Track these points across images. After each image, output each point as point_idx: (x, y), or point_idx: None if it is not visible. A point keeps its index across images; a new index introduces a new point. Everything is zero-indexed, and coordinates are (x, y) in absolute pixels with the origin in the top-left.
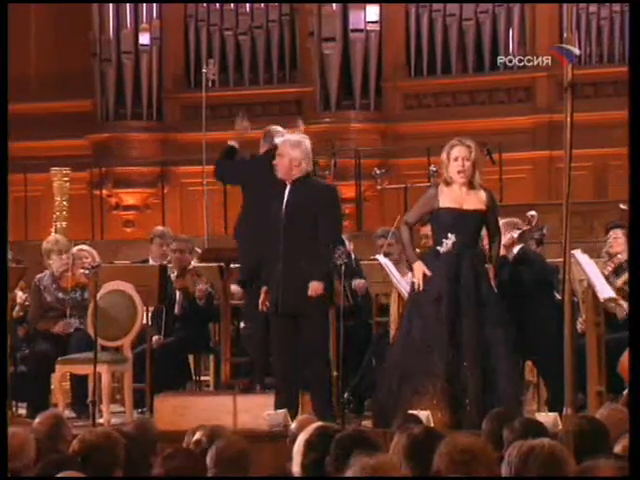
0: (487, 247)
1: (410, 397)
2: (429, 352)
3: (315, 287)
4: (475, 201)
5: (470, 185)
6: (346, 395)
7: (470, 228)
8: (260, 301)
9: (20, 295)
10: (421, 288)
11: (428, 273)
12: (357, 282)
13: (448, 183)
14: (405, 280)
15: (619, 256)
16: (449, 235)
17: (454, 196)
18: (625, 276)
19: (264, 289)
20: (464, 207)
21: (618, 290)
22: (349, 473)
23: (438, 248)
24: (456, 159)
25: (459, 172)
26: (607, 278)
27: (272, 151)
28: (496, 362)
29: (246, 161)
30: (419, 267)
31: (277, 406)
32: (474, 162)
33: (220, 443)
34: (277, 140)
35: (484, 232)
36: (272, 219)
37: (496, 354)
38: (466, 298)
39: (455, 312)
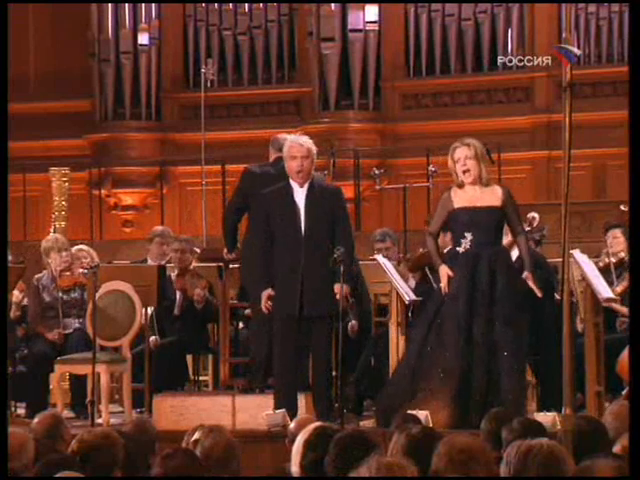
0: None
1: (423, 397)
2: (444, 351)
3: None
4: (490, 198)
5: (483, 183)
6: (347, 390)
7: (485, 225)
8: (263, 304)
9: (17, 294)
10: (446, 290)
11: (451, 274)
12: (351, 324)
13: (460, 185)
14: (404, 282)
15: (621, 254)
16: (465, 234)
17: (468, 196)
18: (625, 283)
19: (268, 292)
20: (477, 205)
21: (619, 294)
22: (363, 470)
23: (457, 248)
24: (458, 160)
25: (464, 172)
26: (600, 271)
27: (282, 159)
28: (503, 362)
29: (253, 177)
30: (443, 270)
31: (277, 406)
32: (477, 158)
33: (206, 443)
34: (292, 141)
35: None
36: (288, 225)
37: (503, 354)
38: (480, 296)
39: (470, 311)
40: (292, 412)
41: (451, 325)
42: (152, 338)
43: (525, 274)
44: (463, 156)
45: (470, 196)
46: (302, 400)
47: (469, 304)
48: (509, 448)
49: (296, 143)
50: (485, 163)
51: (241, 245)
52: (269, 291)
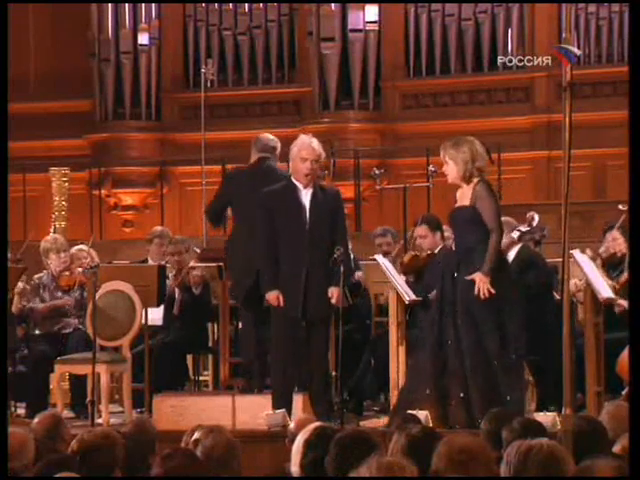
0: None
1: (408, 398)
2: (423, 352)
3: (338, 292)
4: (464, 197)
5: (466, 181)
6: (344, 395)
7: (459, 225)
8: (274, 304)
9: (19, 285)
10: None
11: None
12: (357, 274)
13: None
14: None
15: (618, 254)
16: (451, 235)
17: (457, 196)
18: (626, 276)
19: (276, 294)
20: (456, 205)
21: (621, 285)
22: (363, 470)
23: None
24: (444, 164)
25: (446, 175)
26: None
27: (264, 160)
28: (468, 362)
29: (234, 180)
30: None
31: (276, 406)
32: (454, 160)
33: (207, 443)
34: (305, 143)
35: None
36: (293, 225)
37: (465, 356)
38: (447, 298)
39: (440, 311)
40: (288, 410)
41: (426, 325)
42: None
43: (474, 274)
44: (443, 160)
45: (458, 196)
46: (299, 400)
47: (440, 305)
48: (509, 448)
49: (309, 146)
50: (463, 160)
51: (228, 243)
52: (276, 293)
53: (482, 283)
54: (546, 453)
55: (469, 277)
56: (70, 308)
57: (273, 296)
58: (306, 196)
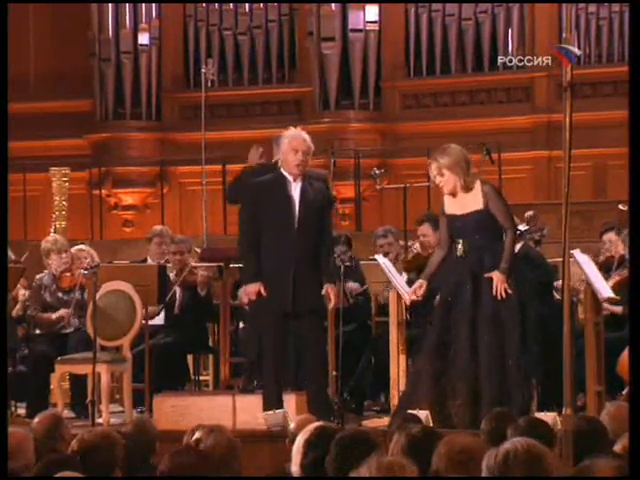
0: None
1: (406, 400)
2: (424, 352)
3: (334, 290)
4: (472, 203)
5: (464, 189)
6: (345, 395)
7: (473, 231)
8: (248, 299)
9: (23, 293)
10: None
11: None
12: (350, 285)
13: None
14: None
15: (616, 257)
16: (457, 240)
17: (455, 204)
18: (615, 278)
19: (258, 287)
20: (463, 212)
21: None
22: (363, 470)
23: (456, 253)
24: (434, 177)
25: (441, 187)
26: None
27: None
28: (482, 364)
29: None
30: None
31: (266, 406)
32: (450, 170)
33: (208, 443)
34: (296, 134)
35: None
36: (282, 217)
37: (481, 355)
38: (464, 301)
39: (452, 316)
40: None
41: (431, 330)
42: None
43: (492, 273)
44: (433, 175)
45: (457, 204)
46: (292, 400)
47: (453, 310)
48: (485, 458)
49: (300, 137)
50: (462, 168)
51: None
52: (258, 285)
53: (500, 282)
54: (524, 453)
55: (487, 275)
56: (67, 317)
57: (254, 289)
58: (296, 189)
